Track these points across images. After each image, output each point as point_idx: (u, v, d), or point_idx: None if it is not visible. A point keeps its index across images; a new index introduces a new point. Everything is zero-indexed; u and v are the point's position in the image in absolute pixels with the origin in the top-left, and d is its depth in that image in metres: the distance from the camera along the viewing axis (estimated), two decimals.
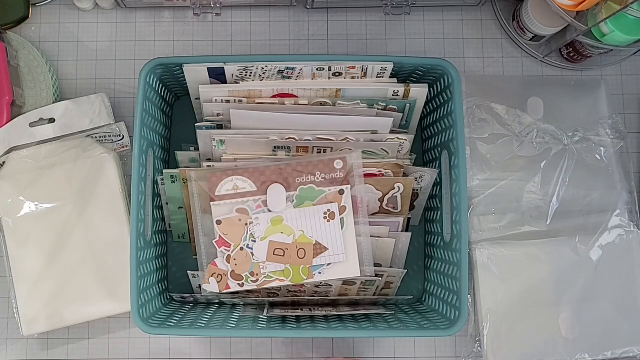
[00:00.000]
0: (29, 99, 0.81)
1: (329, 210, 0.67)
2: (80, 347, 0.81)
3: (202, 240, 0.69)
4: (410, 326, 0.70)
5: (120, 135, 0.81)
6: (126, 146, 0.82)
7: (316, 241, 0.67)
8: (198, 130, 0.73)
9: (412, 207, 0.78)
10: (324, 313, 0.72)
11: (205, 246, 0.69)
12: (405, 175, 0.74)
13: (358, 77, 0.73)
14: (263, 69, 0.71)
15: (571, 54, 0.84)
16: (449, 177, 0.73)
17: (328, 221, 0.67)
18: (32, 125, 0.78)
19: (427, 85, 0.72)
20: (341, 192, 0.67)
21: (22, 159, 0.78)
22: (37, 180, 0.78)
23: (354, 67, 0.71)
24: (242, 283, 0.68)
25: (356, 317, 0.74)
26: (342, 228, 0.68)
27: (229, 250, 0.68)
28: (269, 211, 0.67)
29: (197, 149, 0.76)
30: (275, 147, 0.71)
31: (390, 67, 0.71)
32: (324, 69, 0.71)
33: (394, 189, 0.72)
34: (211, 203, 0.68)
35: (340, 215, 0.67)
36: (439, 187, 0.76)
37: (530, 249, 0.79)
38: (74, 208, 0.78)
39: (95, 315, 0.77)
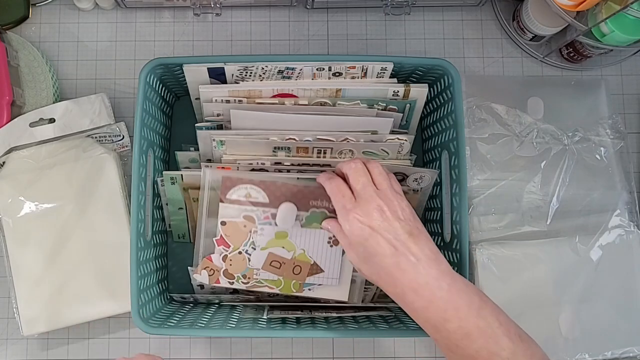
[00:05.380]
0: (29, 99, 0.81)
1: (334, 236, 0.66)
2: (80, 347, 0.81)
3: (202, 239, 0.69)
4: (410, 326, 0.70)
5: (120, 135, 0.81)
6: (126, 146, 0.82)
7: (314, 262, 0.68)
8: (198, 131, 0.73)
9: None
10: (325, 314, 0.72)
11: (204, 245, 0.69)
12: (405, 176, 0.74)
13: (358, 77, 0.73)
14: (263, 69, 0.71)
15: (571, 54, 0.84)
16: (449, 177, 0.73)
17: (331, 246, 0.68)
18: (32, 125, 0.78)
19: (427, 85, 0.72)
20: None
21: (22, 159, 0.78)
22: (37, 180, 0.78)
23: (354, 67, 0.71)
24: (233, 282, 0.69)
25: (356, 317, 0.74)
26: (343, 254, 0.68)
27: (227, 251, 0.68)
28: (276, 225, 0.68)
29: (197, 149, 0.76)
30: (275, 148, 0.71)
31: (390, 67, 0.71)
32: (324, 69, 0.71)
33: None
34: (220, 203, 0.68)
35: None
36: (439, 187, 0.76)
37: (530, 249, 0.79)
38: (74, 208, 0.78)
39: (95, 315, 0.77)
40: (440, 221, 0.75)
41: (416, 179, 0.75)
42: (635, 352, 0.78)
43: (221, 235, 0.68)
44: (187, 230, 0.79)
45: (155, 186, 0.75)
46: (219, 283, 0.69)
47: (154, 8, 0.87)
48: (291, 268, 0.68)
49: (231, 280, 0.68)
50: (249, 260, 0.68)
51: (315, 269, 0.68)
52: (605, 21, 0.72)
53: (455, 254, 0.69)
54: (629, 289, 0.79)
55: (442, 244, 0.74)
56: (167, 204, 0.77)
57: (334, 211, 0.62)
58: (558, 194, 0.81)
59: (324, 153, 0.71)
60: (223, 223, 0.68)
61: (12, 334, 0.81)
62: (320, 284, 0.69)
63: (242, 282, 0.69)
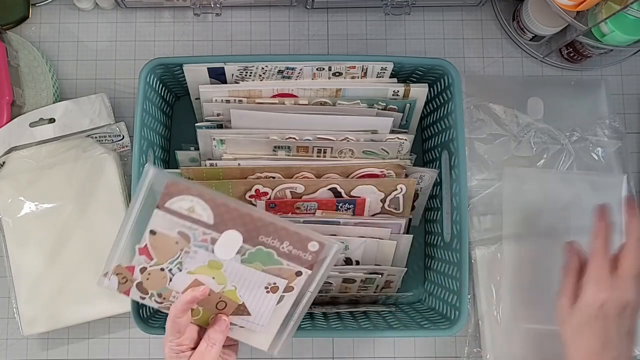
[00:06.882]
0: (29, 99, 0.81)
1: (274, 283, 0.58)
2: (80, 347, 0.81)
3: (123, 241, 0.58)
4: (410, 326, 0.70)
5: (120, 135, 0.81)
6: (126, 146, 0.82)
7: (243, 303, 0.59)
8: (198, 130, 0.73)
9: (412, 208, 0.78)
10: (323, 310, 0.72)
11: (123, 249, 0.58)
12: (406, 175, 0.74)
13: (358, 77, 0.73)
14: (263, 69, 0.71)
15: (571, 54, 0.84)
16: (449, 177, 0.73)
17: (267, 292, 0.59)
18: (32, 125, 0.78)
19: (427, 85, 0.72)
20: (298, 274, 0.58)
21: (22, 159, 0.78)
22: (37, 180, 0.78)
23: (354, 67, 0.71)
24: (145, 297, 0.60)
25: (356, 317, 0.74)
26: (277, 303, 0.59)
27: (147, 263, 0.58)
28: (213, 252, 0.57)
29: (197, 148, 0.76)
30: (275, 147, 0.71)
31: (390, 67, 0.71)
32: (324, 68, 0.71)
33: (396, 189, 0.71)
34: (155, 209, 0.56)
35: (282, 292, 0.59)
36: (439, 187, 0.76)
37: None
38: (74, 208, 0.78)
39: (95, 315, 0.77)
40: (440, 221, 0.75)
41: (416, 178, 0.75)
42: (636, 352, 0.78)
43: (146, 245, 0.57)
44: None
45: None
46: (129, 295, 0.59)
47: (154, 8, 0.87)
48: (215, 302, 0.59)
49: (143, 296, 0.59)
50: (170, 280, 0.58)
51: (242, 311, 0.60)
52: (605, 21, 0.72)
53: (455, 253, 0.69)
54: None
55: (442, 244, 0.74)
56: None
57: (282, 254, 0.56)
58: None
59: (324, 152, 0.71)
60: (152, 232, 0.57)
61: (12, 334, 0.81)
62: (242, 327, 0.61)
63: (156, 301, 0.60)
